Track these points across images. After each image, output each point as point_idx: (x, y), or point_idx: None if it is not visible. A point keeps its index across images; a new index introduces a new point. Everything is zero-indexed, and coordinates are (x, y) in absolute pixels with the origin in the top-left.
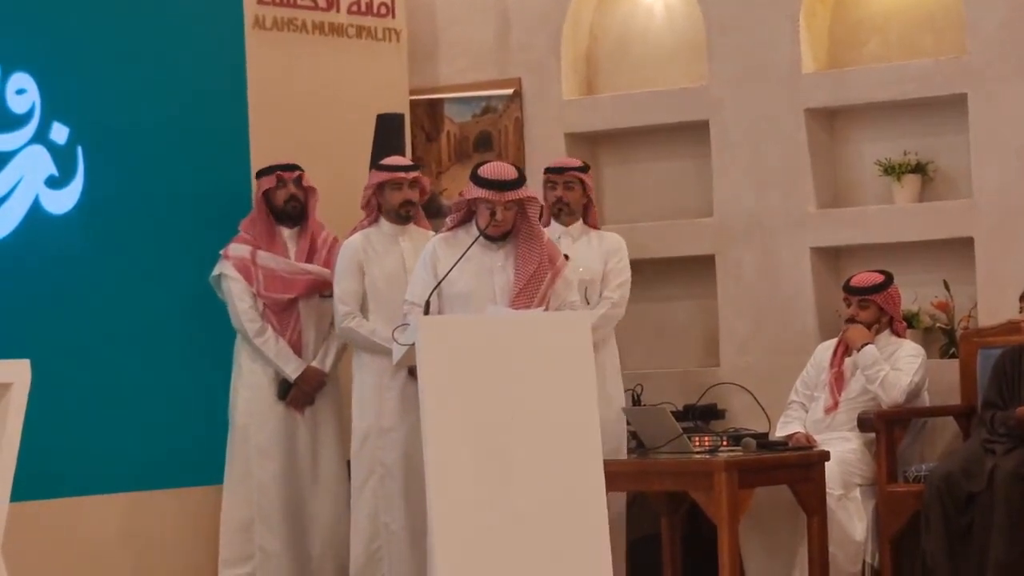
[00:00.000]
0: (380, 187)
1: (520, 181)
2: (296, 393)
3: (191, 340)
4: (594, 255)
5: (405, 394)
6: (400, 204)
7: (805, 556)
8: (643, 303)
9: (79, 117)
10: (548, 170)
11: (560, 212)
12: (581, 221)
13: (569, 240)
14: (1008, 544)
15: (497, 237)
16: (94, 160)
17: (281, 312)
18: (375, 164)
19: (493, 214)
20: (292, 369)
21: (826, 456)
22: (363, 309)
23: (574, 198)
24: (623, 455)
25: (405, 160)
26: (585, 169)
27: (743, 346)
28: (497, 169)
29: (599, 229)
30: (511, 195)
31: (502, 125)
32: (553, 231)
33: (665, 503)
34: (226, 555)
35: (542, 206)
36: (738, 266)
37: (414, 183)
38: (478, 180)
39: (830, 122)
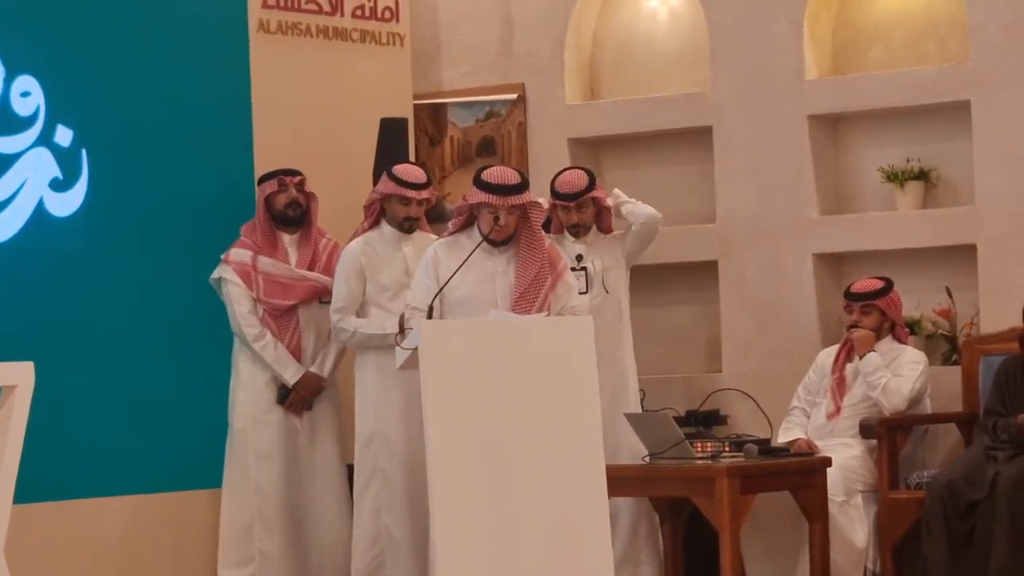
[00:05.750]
0: (388, 196)
1: (523, 186)
2: (294, 398)
3: (193, 343)
4: (606, 249)
5: (408, 396)
6: (404, 219)
7: (807, 562)
8: (646, 308)
9: (84, 120)
10: (560, 196)
11: (578, 233)
12: (595, 228)
13: (583, 245)
14: (1010, 552)
15: (499, 242)
16: (98, 163)
17: (280, 317)
18: (379, 169)
19: (497, 219)
20: (290, 374)
21: (828, 462)
22: (365, 314)
23: (589, 217)
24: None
25: (419, 174)
26: (593, 183)
27: (745, 352)
28: (500, 174)
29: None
30: (514, 200)
31: (505, 130)
32: (566, 235)
33: (667, 509)
34: (226, 558)
35: (547, 215)
36: (741, 272)
37: (421, 203)
38: (481, 184)
39: (833, 128)
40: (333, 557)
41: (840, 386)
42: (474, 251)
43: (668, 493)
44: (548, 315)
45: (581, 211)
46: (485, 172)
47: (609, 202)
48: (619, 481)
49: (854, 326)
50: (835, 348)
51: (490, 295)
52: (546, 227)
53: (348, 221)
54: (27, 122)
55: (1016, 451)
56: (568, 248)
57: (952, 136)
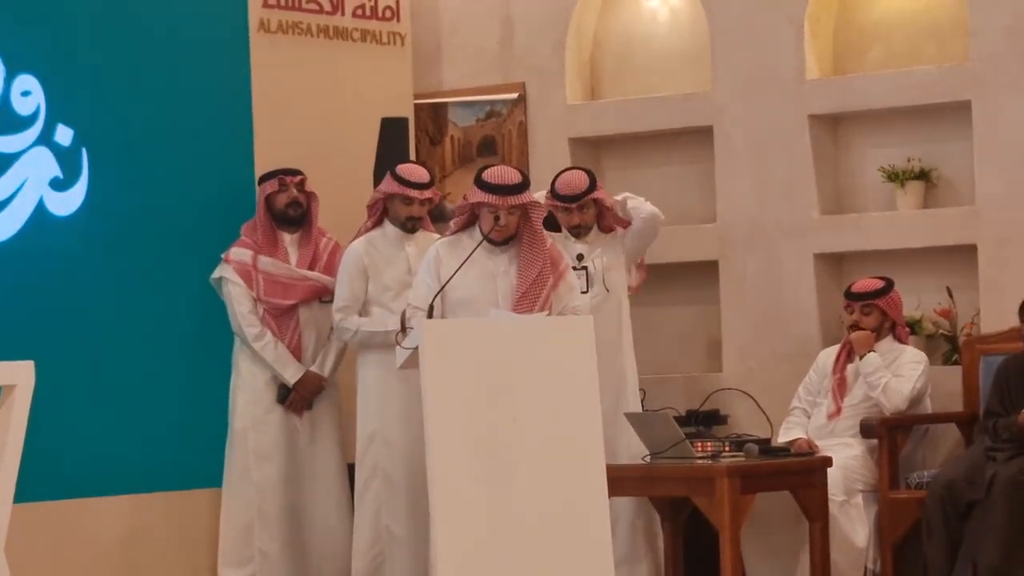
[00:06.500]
0: (391, 195)
1: (524, 185)
2: (295, 397)
3: (193, 343)
4: (607, 247)
5: (410, 396)
6: (406, 218)
7: (807, 562)
8: (646, 308)
9: (84, 119)
10: (560, 197)
11: (579, 234)
12: (596, 227)
13: (584, 244)
14: (1002, 550)
15: (500, 242)
16: (98, 162)
17: (280, 317)
18: (380, 168)
19: (497, 219)
20: (291, 374)
21: (828, 462)
22: (368, 314)
23: (590, 218)
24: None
25: (422, 173)
26: (594, 184)
27: (746, 352)
28: (501, 173)
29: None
30: (515, 199)
31: (506, 130)
32: (567, 235)
33: (667, 508)
34: (226, 558)
35: (548, 212)
36: (741, 272)
37: (424, 202)
38: (482, 184)
39: (834, 128)
40: (333, 557)
41: (841, 386)
42: (474, 251)
43: (668, 493)
44: (549, 315)
45: (582, 212)
46: (486, 172)
47: (610, 201)
48: (619, 481)
49: (855, 326)
50: (836, 348)
51: (491, 295)
52: (552, 226)
53: (349, 221)
54: (27, 121)
55: (1016, 451)
56: (569, 247)
57: (953, 136)
